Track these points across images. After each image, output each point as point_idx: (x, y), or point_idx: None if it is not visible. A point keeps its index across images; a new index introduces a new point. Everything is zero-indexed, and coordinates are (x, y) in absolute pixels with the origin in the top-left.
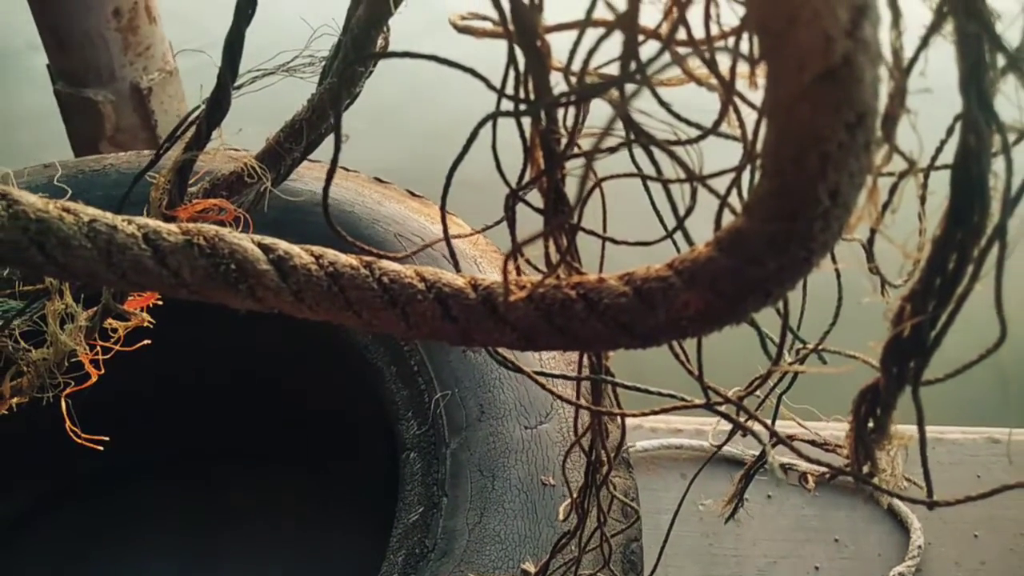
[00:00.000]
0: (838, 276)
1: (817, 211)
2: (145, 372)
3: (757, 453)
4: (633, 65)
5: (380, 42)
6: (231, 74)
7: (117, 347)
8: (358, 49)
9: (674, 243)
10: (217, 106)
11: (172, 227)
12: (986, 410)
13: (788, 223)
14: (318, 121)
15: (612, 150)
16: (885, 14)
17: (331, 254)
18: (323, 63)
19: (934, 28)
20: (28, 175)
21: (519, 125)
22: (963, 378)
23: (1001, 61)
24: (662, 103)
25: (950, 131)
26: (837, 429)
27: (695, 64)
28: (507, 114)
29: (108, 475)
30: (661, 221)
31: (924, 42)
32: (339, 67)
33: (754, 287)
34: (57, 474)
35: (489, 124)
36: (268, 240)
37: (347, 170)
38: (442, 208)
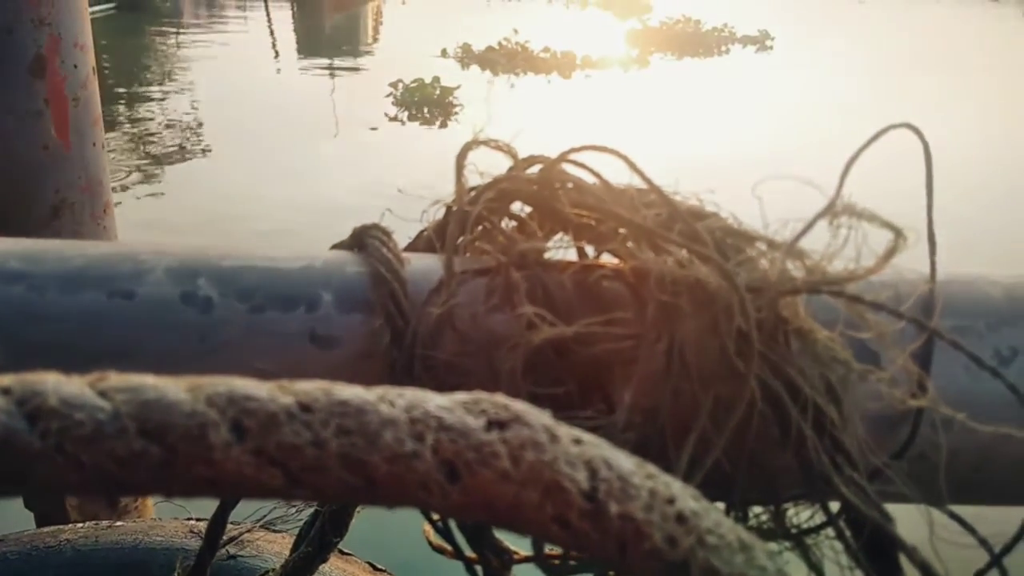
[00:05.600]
0: None
1: None
2: None
3: None
4: None
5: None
6: (209, 555)
7: None
8: (335, 525)
9: None
10: None
11: None
12: None
13: None
14: None
15: None
16: None
17: None
18: (297, 512)
19: None
20: None
21: None
22: None
23: None
24: None
25: None
26: None
27: None
28: None
29: None
30: None
31: None
32: (315, 537)
33: None
34: None
35: None
36: None
37: None
38: None
